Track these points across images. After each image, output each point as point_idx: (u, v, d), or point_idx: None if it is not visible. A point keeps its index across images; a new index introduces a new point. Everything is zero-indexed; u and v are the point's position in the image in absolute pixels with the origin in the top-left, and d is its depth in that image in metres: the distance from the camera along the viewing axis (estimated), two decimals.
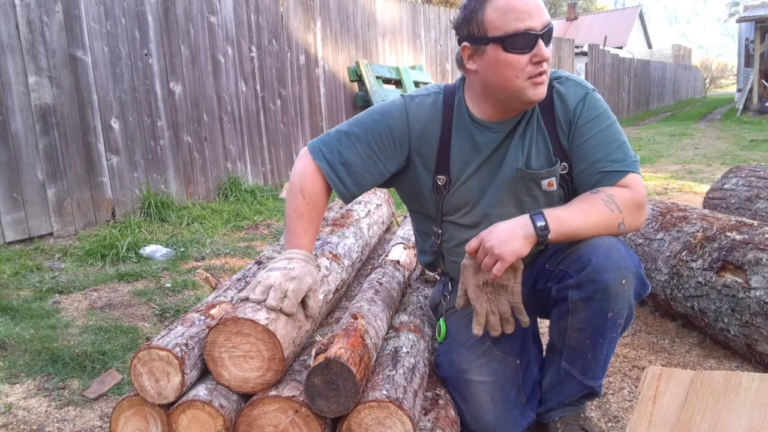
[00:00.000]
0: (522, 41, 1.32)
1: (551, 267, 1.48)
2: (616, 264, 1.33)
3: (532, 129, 1.48)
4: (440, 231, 1.60)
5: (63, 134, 4.12)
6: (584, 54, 15.93)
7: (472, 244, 1.36)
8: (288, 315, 1.28)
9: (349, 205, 2.38)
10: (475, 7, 1.36)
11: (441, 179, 1.52)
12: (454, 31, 1.47)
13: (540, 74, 1.36)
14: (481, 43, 1.37)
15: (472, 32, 1.38)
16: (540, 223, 1.33)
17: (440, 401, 1.46)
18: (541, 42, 1.33)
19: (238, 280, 1.72)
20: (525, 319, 1.41)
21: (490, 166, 1.50)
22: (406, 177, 1.57)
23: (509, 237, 1.31)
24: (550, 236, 1.33)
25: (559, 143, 1.48)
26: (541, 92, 1.38)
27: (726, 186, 3.25)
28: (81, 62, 4.22)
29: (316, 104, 6.68)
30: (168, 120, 4.93)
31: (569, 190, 1.51)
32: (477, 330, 1.41)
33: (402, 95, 1.55)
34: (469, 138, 1.50)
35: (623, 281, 1.33)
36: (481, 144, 1.49)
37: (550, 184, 1.47)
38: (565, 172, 1.49)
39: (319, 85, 6.71)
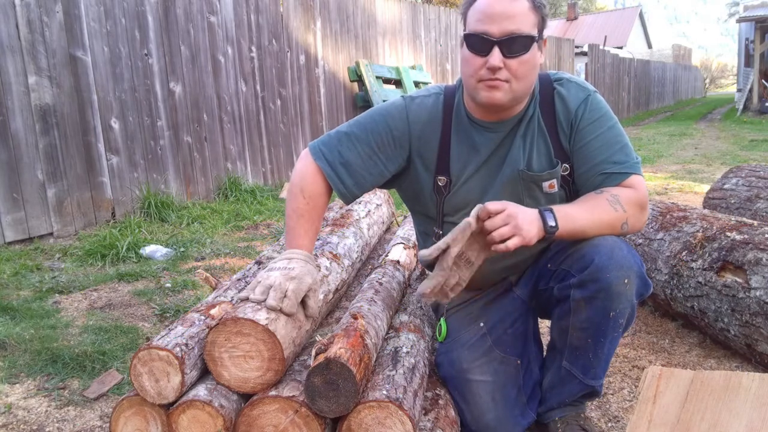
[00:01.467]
0: (476, 43, 1.35)
1: (553, 267, 1.48)
2: (619, 263, 1.33)
3: (532, 130, 1.48)
4: (441, 232, 1.60)
5: (63, 134, 4.12)
6: (584, 54, 15.93)
7: (495, 206, 1.26)
8: (288, 315, 1.28)
9: (349, 205, 2.38)
10: (468, 2, 1.41)
11: (441, 180, 1.52)
12: (456, 31, 1.49)
13: (492, 79, 1.35)
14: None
15: (463, 25, 1.44)
16: (550, 221, 1.32)
17: (440, 401, 1.46)
18: (496, 50, 1.33)
19: (238, 280, 1.72)
20: (453, 297, 1.34)
21: (490, 166, 1.50)
22: (406, 178, 1.57)
23: (531, 222, 1.28)
24: (558, 229, 1.33)
25: (560, 145, 1.48)
26: (495, 97, 1.37)
27: (726, 186, 3.25)
28: (81, 62, 4.22)
29: (316, 104, 6.68)
30: (168, 120, 4.94)
31: (570, 192, 1.51)
32: (425, 290, 1.30)
33: (402, 96, 1.55)
34: (468, 138, 1.50)
35: (625, 281, 1.33)
36: (480, 144, 1.49)
37: (552, 186, 1.48)
38: (566, 173, 1.49)
39: (319, 85, 6.71)
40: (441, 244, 1.29)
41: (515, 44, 1.33)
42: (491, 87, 1.36)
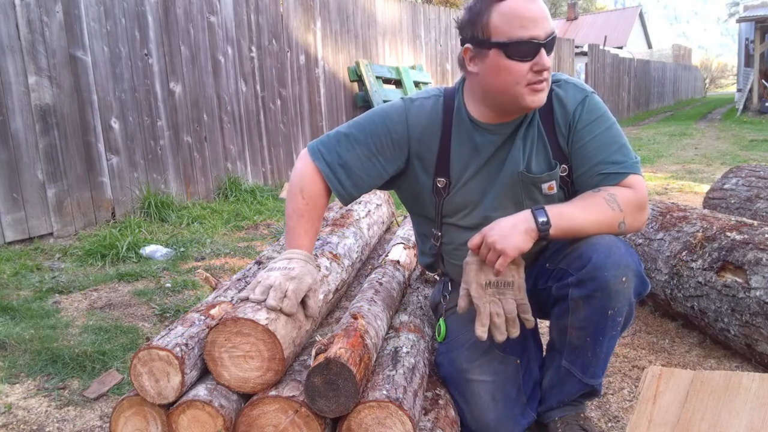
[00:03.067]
0: (525, 49, 1.32)
1: (551, 266, 1.48)
2: (616, 262, 1.33)
3: (532, 132, 1.48)
4: (440, 233, 1.60)
5: (63, 134, 4.12)
6: (584, 54, 15.93)
7: (474, 240, 1.37)
8: (288, 315, 1.28)
9: (348, 206, 2.38)
10: (481, 9, 1.35)
11: (441, 181, 1.52)
12: (456, 31, 1.47)
13: (540, 82, 1.36)
14: (483, 46, 1.36)
15: (476, 35, 1.37)
16: (541, 218, 1.33)
17: (440, 401, 1.46)
18: (543, 51, 1.33)
19: (238, 280, 1.72)
20: (530, 319, 1.39)
21: (490, 168, 1.50)
22: (405, 179, 1.57)
23: (511, 232, 1.32)
24: (551, 231, 1.34)
25: (559, 146, 1.48)
26: (540, 99, 1.38)
27: (726, 186, 3.25)
28: (81, 62, 4.23)
29: (316, 104, 6.68)
30: (168, 120, 4.94)
31: (569, 193, 1.51)
32: (480, 332, 1.37)
33: (402, 98, 1.55)
34: (468, 140, 1.50)
35: (623, 279, 1.33)
36: (481, 146, 1.49)
37: (551, 187, 1.48)
38: (565, 174, 1.49)
39: (319, 85, 6.71)
40: (462, 292, 1.40)
41: (553, 42, 1.36)
42: (538, 90, 1.37)
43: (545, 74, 1.35)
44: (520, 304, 1.38)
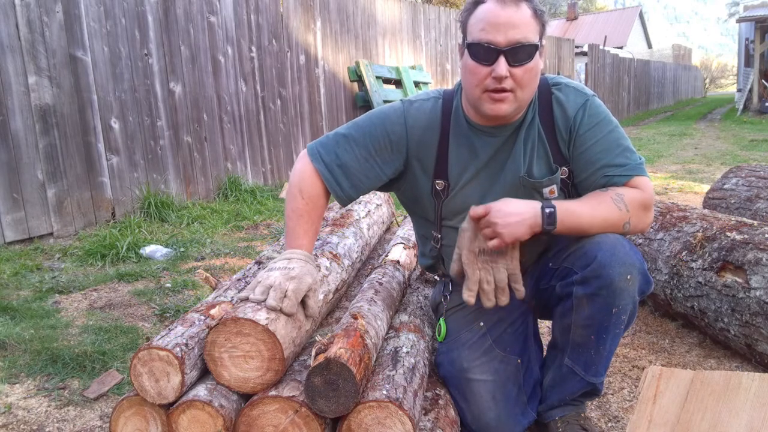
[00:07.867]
0: (482, 52, 1.34)
1: (555, 265, 1.48)
2: (621, 260, 1.33)
3: (532, 136, 1.48)
4: (440, 235, 1.60)
5: (63, 134, 4.12)
6: (584, 54, 15.93)
7: (477, 211, 1.36)
8: (288, 315, 1.28)
9: (348, 206, 2.38)
10: (468, 9, 1.41)
11: (440, 184, 1.53)
12: (456, 31, 1.49)
13: (497, 91, 1.35)
14: (463, 45, 1.42)
15: (462, 33, 1.43)
16: (549, 212, 1.34)
17: (440, 401, 1.46)
18: (502, 59, 1.32)
19: (238, 280, 1.72)
20: (521, 289, 1.39)
21: (489, 171, 1.50)
22: (404, 181, 1.57)
23: (516, 221, 1.33)
24: (556, 227, 1.34)
25: (559, 150, 1.48)
26: (499, 109, 1.37)
27: (726, 186, 3.25)
28: (81, 62, 4.23)
29: (316, 104, 6.68)
30: (168, 120, 4.94)
31: (570, 196, 1.51)
32: (467, 295, 1.39)
33: (402, 100, 1.56)
34: (466, 143, 1.50)
35: (628, 277, 1.34)
36: (479, 149, 1.49)
37: (552, 191, 1.48)
38: (565, 176, 1.49)
39: (319, 85, 6.71)
40: (454, 257, 1.42)
41: (521, 53, 1.33)
42: (496, 100, 1.36)
43: (506, 84, 1.34)
44: (512, 274, 1.38)
